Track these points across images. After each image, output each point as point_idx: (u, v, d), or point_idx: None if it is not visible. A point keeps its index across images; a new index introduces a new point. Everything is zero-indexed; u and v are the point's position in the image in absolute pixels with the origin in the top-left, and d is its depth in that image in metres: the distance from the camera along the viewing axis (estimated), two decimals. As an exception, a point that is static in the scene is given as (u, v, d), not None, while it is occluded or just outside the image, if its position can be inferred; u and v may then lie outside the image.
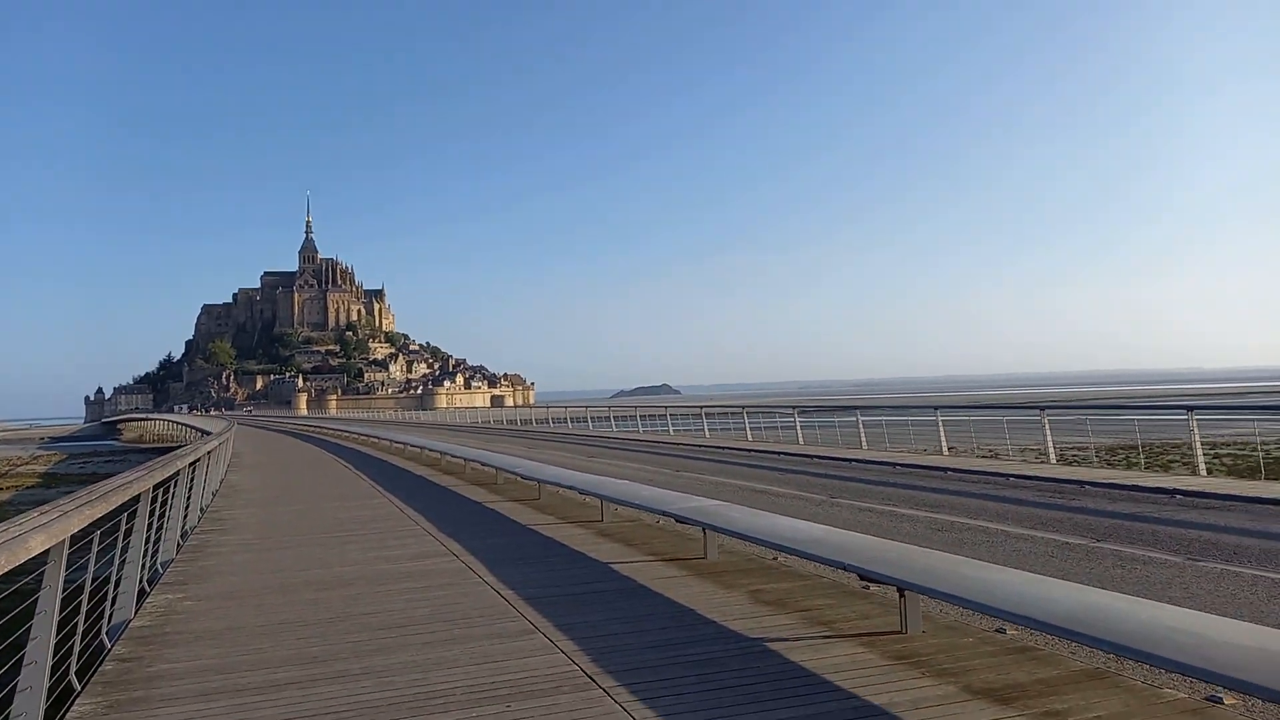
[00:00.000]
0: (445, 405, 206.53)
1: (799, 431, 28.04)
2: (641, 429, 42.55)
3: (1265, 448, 30.97)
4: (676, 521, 9.31)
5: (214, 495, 17.17)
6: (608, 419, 49.67)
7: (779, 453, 24.12)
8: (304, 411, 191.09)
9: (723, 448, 27.40)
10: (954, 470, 17.58)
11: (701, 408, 36.62)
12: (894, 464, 19.38)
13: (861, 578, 6.18)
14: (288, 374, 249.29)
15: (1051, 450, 18.73)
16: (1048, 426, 18.82)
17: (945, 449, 21.90)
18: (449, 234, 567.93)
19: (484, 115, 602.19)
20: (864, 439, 24.96)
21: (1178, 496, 12.76)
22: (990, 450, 26.90)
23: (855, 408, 27.44)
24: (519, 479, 16.70)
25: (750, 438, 30.46)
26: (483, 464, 18.87)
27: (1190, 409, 15.82)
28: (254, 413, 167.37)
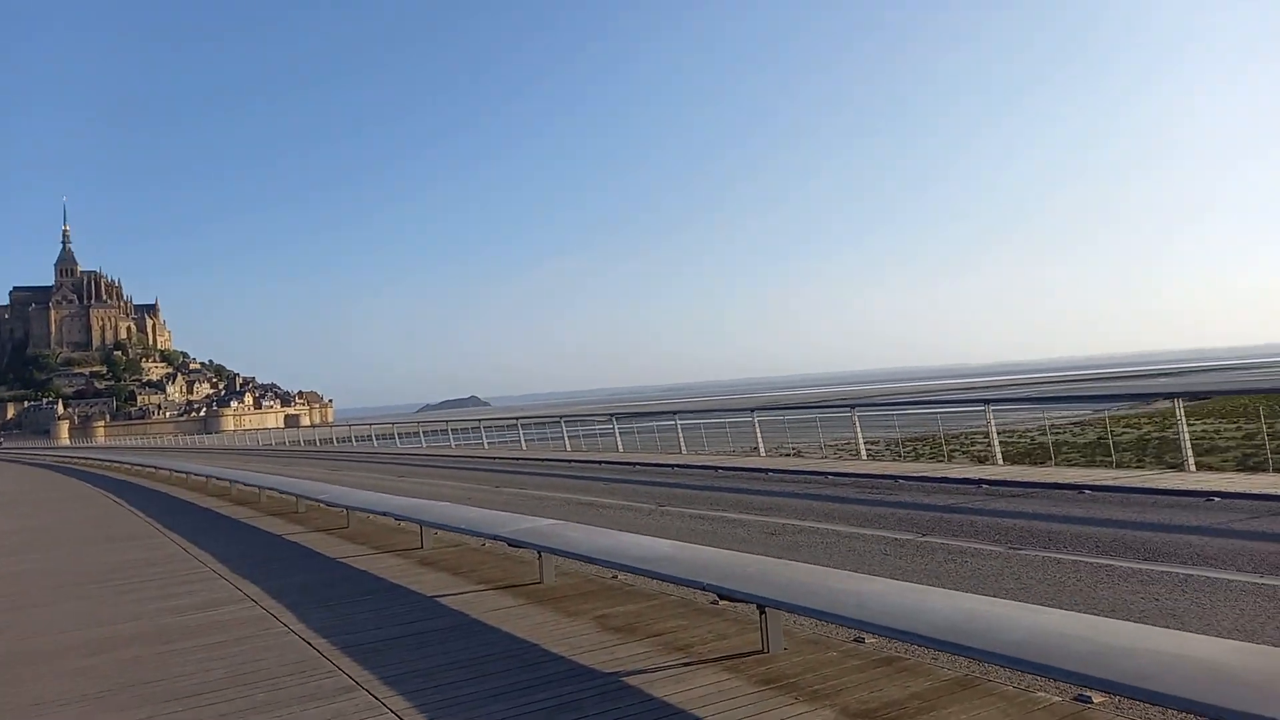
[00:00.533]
0: (233, 428, 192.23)
1: (618, 439, 27.83)
2: (455, 443, 41.04)
3: (1054, 433, 33.98)
4: (509, 545, 8.59)
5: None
6: (417, 435, 47.63)
7: (601, 461, 23.75)
8: (65, 441, 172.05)
9: (543, 459, 26.72)
10: (775, 471, 17.84)
11: (517, 419, 35.74)
12: (716, 468, 19.46)
13: (720, 597, 5.75)
14: (45, 400, 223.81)
15: (862, 446, 19.46)
16: (858, 423, 19.53)
17: (763, 450, 22.31)
18: (233, 247, 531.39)
19: (270, 125, 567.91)
20: (683, 444, 25.07)
21: (984, 486, 13.42)
22: (796, 449, 27.87)
23: (673, 412, 27.59)
24: (323, 506, 15.29)
25: (569, 447, 29.96)
26: (281, 491, 17.20)
27: (987, 402, 16.88)
28: (2, 444, 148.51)
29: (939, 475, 14.80)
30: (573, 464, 24.46)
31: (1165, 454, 26.06)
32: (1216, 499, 10.70)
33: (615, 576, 8.27)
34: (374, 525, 13.38)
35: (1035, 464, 17.94)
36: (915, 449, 32.14)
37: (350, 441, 56.36)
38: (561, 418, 32.98)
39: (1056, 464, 16.76)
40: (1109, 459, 21.74)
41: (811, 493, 14.69)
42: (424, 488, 21.13)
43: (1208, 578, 7.27)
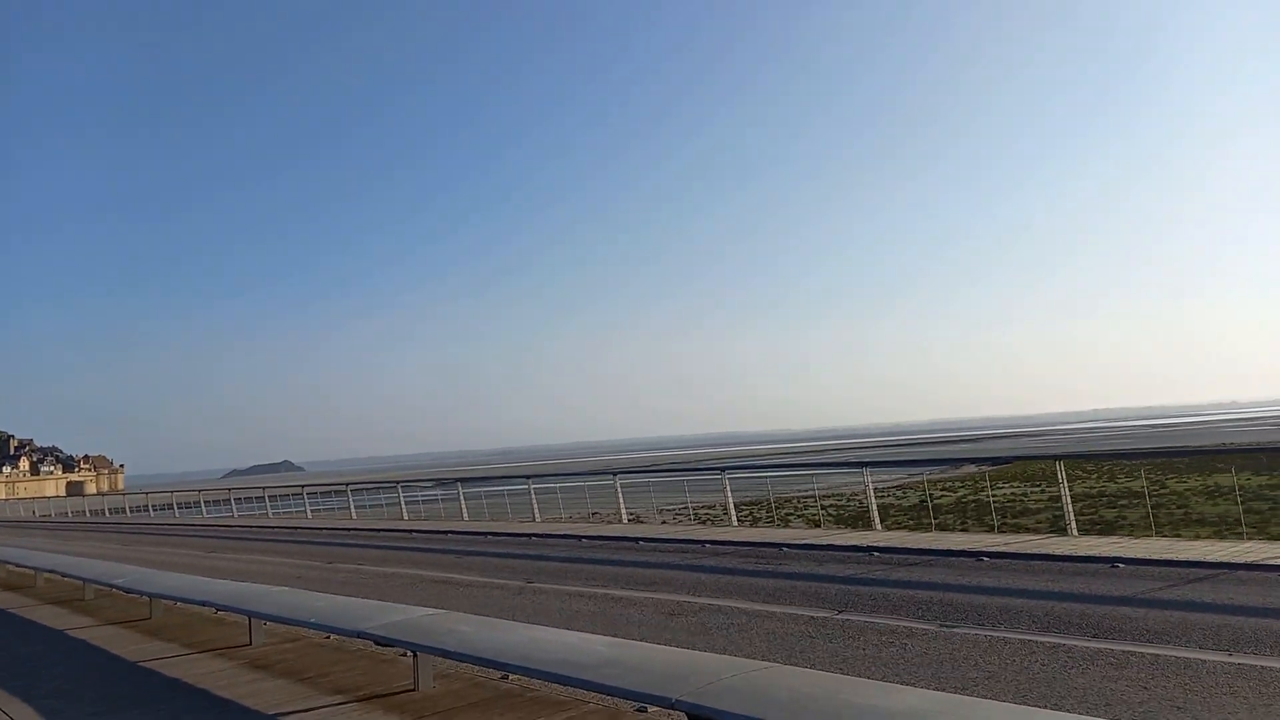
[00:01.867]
0: (4, 496, 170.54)
1: (463, 505, 25.77)
2: (272, 512, 37.25)
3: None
4: (377, 644, 6.88)
5: None
6: (228, 502, 43.05)
7: (447, 531, 21.72)
8: None
9: (379, 530, 24.27)
10: (646, 539, 16.62)
11: (347, 485, 32.80)
12: (580, 536, 18.02)
13: (692, 717, 4.42)
14: None
15: (733, 511, 18.74)
16: (729, 488, 18.82)
17: (624, 516, 21.06)
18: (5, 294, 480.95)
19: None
20: (536, 510, 23.41)
21: (875, 554, 12.74)
22: (637, 515, 26.85)
23: (525, 476, 26.01)
24: (119, 592, 12.68)
25: (407, 515, 27.54)
26: (64, 574, 14.26)
27: (864, 465, 16.69)
28: None
29: (824, 542, 14.07)
30: (414, 534, 22.26)
31: (984, 516, 26.99)
32: (1120, 565, 10.41)
33: (506, 677, 6.74)
34: (185, 615, 11.07)
35: (908, 529, 17.63)
36: (751, 513, 32.04)
37: (148, 511, 50.43)
38: (399, 483, 30.46)
39: (936, 529, 16.47)
40: (931, 521, 22.11)
41: (693, 563, 13.55)
42: (242, 565, 18.42)
43: (1178, 658, 6.63)
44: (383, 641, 6.72)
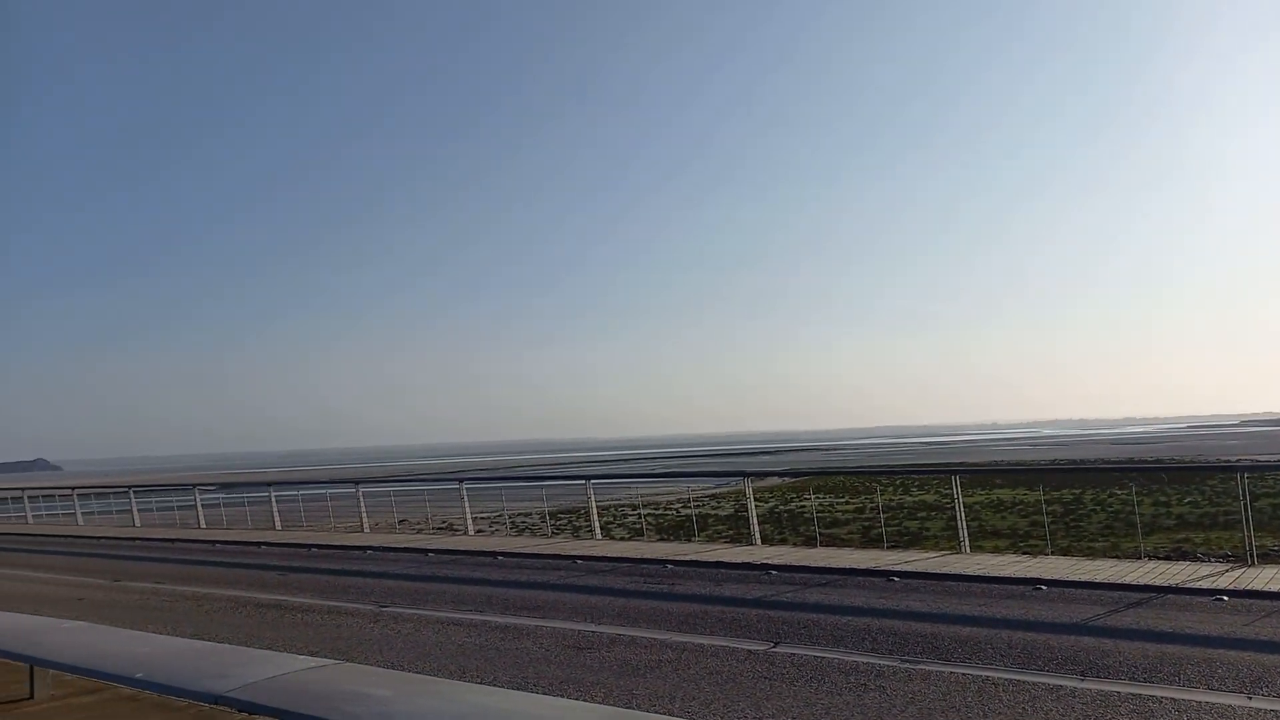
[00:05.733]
0: None
1: (276, 512, 22.79)
2: (32, 516, 32.05)
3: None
4: (239, 710, 4.97)
5: None
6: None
7: (261, 544, 18.96)
8: None
9: (171, 540, 21.01)
10: (506, 554, 14.94)
11: (129, 486, 28.58)
12: (425, 550, 16.06)
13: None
14: None
15: (470, 520, 18.38)
16: (466, 497, 19.24)
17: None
18: None
19: None
20: (366, 519, 20.98)
21: (772, 572, 11.78)
22: (448, 524, 25.05)
23: (348, 481, 23.56)
24: None
25: (204, 524, 24.13)
26: None
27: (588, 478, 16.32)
28: None
29: (711, 559, 12.98)
30: (219, 546, 19.31)
31: (798, 526, 27.18)
32: (1043, 587, 9.94)
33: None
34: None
35: (794, 546, 16.84)
36: (571, 521, 30.99)
37: None
38: (194, 485, 26.76)
39: (821, 544, 15.77)
40: (746, 532, 21.95)
41: (573, 582, 12.07)
42: (4, 585, 15.05)
43: (1202, 702, 5.93)
44: (248, 709, 4.85)
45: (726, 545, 15.86)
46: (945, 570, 11.02)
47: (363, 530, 20.46)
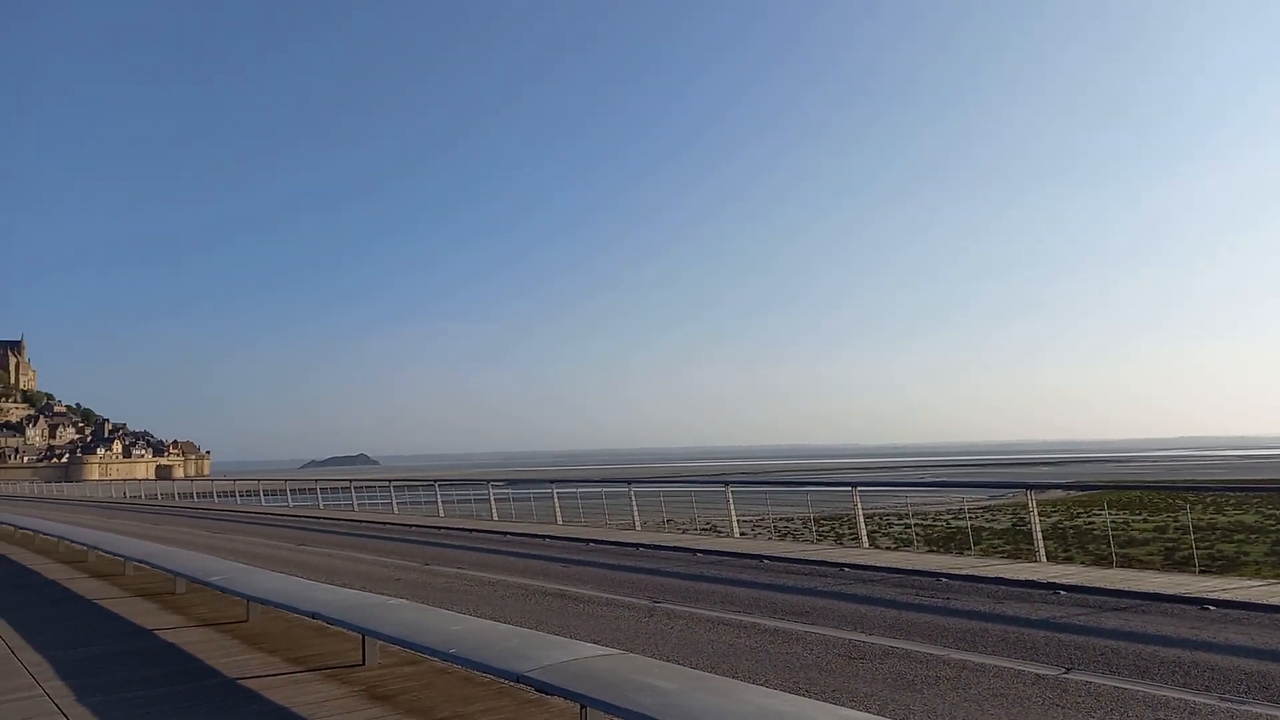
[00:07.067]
0: (98, 476, 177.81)
1: (558, 508, 24.51)
2: (358, 504, 36.76)
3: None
4: (537, 690, 5.48)
5: None
6: (313, 492, 42.89)
7: (545, 537, 20.45)
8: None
9: (469, 530, 23.19)
10: (770, 558, 15.05)
11: (435, 481, 31.95)
12: (693, 550, 16.55)
13: None
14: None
15: (735, 523, 18.66)
16: (731, 500, 19.51)
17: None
18: (107, 288, 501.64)
19: (140, 155, 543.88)
20: (638, 517, 21.99)
21: (1061, 592, 10.91)
22: (711, 527, 25.25)
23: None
24: (215, 591, 11.63)
25: (496, 516, 26.45)
26: (154, 565, 13.33)
27: (854, 485, 16.42)
28: None
29: (990, 574, 12.24)
30: (509, 537, 21.06)
31: (1086, 544, 24.71)
32: None
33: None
34: (285, 620, 9.92)
35: (1084, 565, 15.60)
36: (834, 528, 30.33)
37: (233, 497, 50.79)
38: (488, 481, 29.41)
39: (1116, 565, 14.46)
40: (1027, 548, 20.21)
41: (838, 590, 11.90)
42: (336, 563, 17.43)
43: None
44: (544, 689, 5.31)
45: (1005, 560, 14.90)
46: (1274, 601, 9.64)
47: (634, 528, 21.43)
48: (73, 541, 18.04)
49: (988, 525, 31.51)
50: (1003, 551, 21.20)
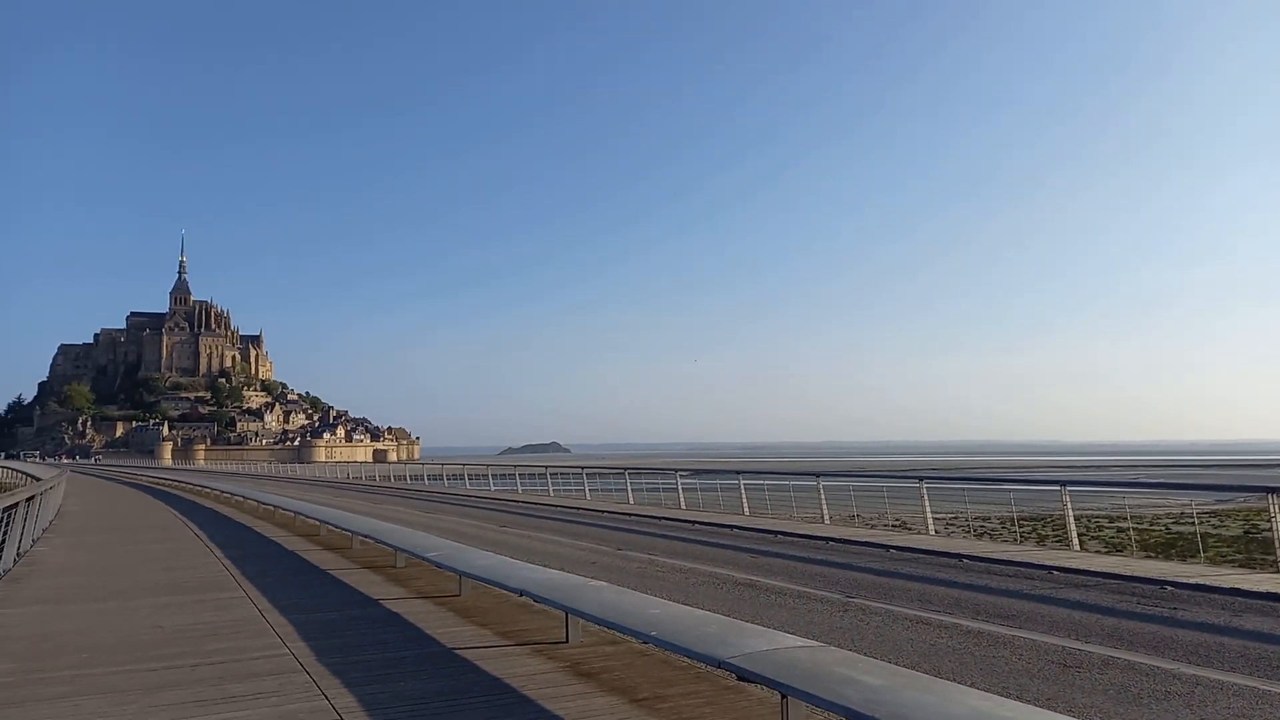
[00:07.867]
0: (324, 458, 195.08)
1: (745, 499, 24.56)
2: (553, 490, 38.40)
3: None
4: (737, 678, 5.56)
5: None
6: (511, 478, 45.25)
7: (732, 526, 20.56)
8: (168, 461, 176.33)
9: (658, 518, 23.67)
10: (969, 558, 14.40)
11: (625, 470, 32.83)
12: (886, 546, 16.10)
13: None
14: (152, 421, 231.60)
15: (930, 520, 17.66)
16: (926, 496, 18.53)
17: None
18: (331, 279, 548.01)
19: (370, 165, 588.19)
20: (826, 510, 21.66)
21: (1165, 587, 9.78)
22: (863, 518, 24.18)
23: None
24: (431, 566, 12.54)
25: (684, 505, 26.84)
26: (377, 540, 14.53)
27: (1063, 484, 15.50)
28: (102, 461, 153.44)
29: (1228, 585, 11.11)
30: (697, 526, 21.31)
31: None
32: None
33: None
34: (493, 596, 10.55)
35: (1248, 569, 13.93)
36: (1035, 529, 28.44)
37: (441, 480, 54.40)
38: (676, 471, 29.90)
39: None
40: (1263, 557, 17.94)
41: (1046, 594, 11.21)
42: (536, 544, 18.31)
43: None
44: (745, 676, 5.38)
45: (1240, 570, 13.50)
46: None
47: (822, 521, 21.11)
48: (308, 517, 19.96)
49: (1214, 532, 28.66)
50: (1233, 560, 19.22)
